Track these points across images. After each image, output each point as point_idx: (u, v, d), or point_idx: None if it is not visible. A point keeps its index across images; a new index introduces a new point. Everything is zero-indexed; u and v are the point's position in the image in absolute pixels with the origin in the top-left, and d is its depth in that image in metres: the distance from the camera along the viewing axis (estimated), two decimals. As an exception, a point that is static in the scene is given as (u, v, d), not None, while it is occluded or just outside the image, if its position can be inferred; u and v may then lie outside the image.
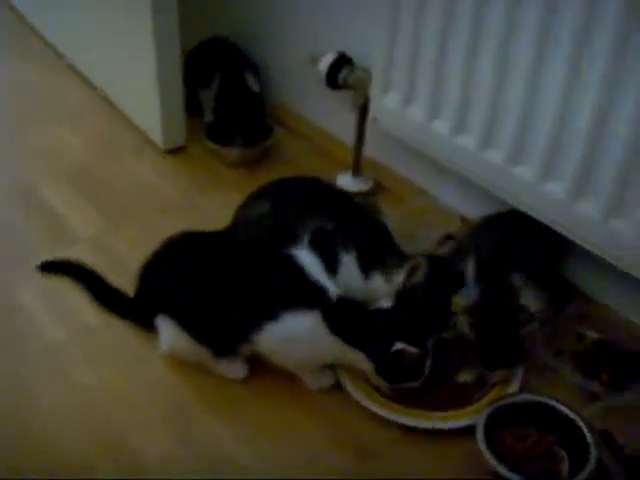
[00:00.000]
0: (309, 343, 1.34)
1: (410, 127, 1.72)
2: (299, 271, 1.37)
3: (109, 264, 1.64)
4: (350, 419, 1.38)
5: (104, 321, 1.54)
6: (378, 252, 1.51)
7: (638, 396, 1.37)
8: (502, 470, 1.22)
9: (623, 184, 1.34)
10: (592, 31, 1.29)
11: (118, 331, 1.53)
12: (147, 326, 1.47)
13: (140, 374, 1.45)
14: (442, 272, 1.44)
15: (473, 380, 1.42)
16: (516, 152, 1.51)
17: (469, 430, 1.31)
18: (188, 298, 1.39)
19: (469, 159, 1.60)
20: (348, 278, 1.47)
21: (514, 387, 1.40)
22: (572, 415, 1.30)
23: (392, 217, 1.66)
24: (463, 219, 1.76)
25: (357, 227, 1.54)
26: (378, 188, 2.01)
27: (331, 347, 1.34)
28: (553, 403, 1.32)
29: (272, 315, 1.32)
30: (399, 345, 1.29)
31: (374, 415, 1.37)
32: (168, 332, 1.42)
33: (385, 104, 1.75)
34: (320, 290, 1.35)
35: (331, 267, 1.44)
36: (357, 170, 2.01)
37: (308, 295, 1.35)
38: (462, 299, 1.44)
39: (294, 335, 1.33)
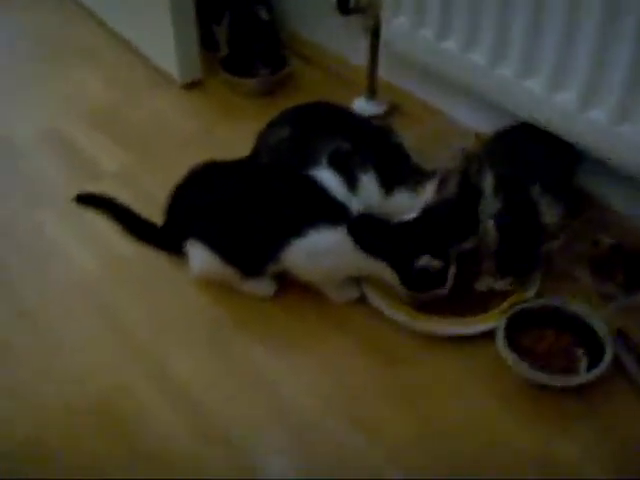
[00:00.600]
0: (334, 257, 1.38)
1: (422, 48, 1.73)
2: (321, 190, 1.41)
3: (136, 197, 1.69)
4: (376, 330, 1.44)
5: (136, 251, 1.59)
6: (397, 170, 1.54)
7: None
8: (524, 368, 1.28)
9: (630, 90, 1.36)
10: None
11: (150, 259, 1.58)
12: (177, 252, 1.53)
13: (174, 298, 1.51)
14: (469, 184, 1.47)
15: (490, 288, 1.45)
16: (525, 65, 1.52)
17: (490, 335, 1.36)
18: (215, 222, 1.44)
19: (480, 75, 1.62)
20: (368, 196, 1.50)
21: (532, 292, 1.45)
22: (587, 316, 1.35)
23: (408, 137, 1.67)
24: (478, 136, 1.77)
25: (374, 147, 1.57)
26: (393, 110, 2.03)
27: (356, 260, 1.38)
28: (569, 306, 1.37)
29: (298, 232, 1.37)
30: (424, 259, 1.33)
31: (398, 324, 1.42)
32: (198, 256, 1.47)
33: (396, 26, 1.77)
34: (342, 206, 1.40)
35: (351, 186, 1.47)
36: (372, 94, 2.03)
37: (331, 212, 1.39)
38: (484, 210, 1.47)
39: (320, 250, 1.37)
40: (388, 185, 1.52)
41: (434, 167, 1.56)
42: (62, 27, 2.51)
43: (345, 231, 1.37)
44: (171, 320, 1.47)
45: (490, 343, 1.35)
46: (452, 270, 1.38)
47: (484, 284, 1.45)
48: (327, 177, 1.44)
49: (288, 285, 1.49)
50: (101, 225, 1.63)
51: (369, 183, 1.52)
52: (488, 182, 1.51)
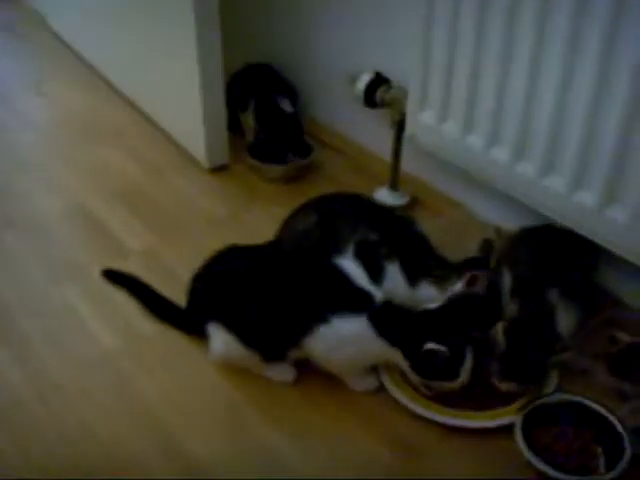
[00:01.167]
0: (357, 344, 1.39)
1: (445, 142, 1.76)
2: (345, 277, 1.42)
3: (160, 276, 1.72)
4: (394, 419, 1.42)
5: (158, 330, 1.61)
6: (422, 261, 1.55)
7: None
8: (542, 466, 1.27)
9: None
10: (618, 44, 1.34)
11: (171, 339, 1.59)
12: (199, 334, 1.54)
13: (193, 380, 1.51)
14: (495, 284, 1.48)
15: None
16: (547, 163, 1.55)
17: (507, 429, 1.35)
18: (237, 306, 1.45)
19: (502, 171, 1.65)
20: (393, 287, 1.51)
21: (549, 388, 1.44)
22: (606, 413, 1.34)
23: (428, 229, 1.69)
24: (498, 230, 1.78)
25: (400, 238, 1.59)
26: (415, 202, 2.06)
27: (377, 348, 1.39)
28: (587, 402, 1.36)
29: (321, 318, 1.38)
30: (430, 344, 1.33)
31: (416, 415, 1.41)
32: (219, 339, 1.48)
33: (421, 120, 1.80)
34: (366, 294, 1.41)
35: (376, 276, 1.49)
36: (394, 184, 2.06)
37: (354, 299, 1.40)
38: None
39: (343, 337, 1.38)
40: (413, 277, 1.53)
41: (459, 260, 1.57)
42: (93, 106, 2.58)
43: (367, 318, 1.38)
44: (188, 400, 1.46)
45: (508, 437, 1.34)
46: (467, 365, 1.37)
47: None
48: (351, 266, 1.46)
49: (308, 372, 1.49)
50: (124, 303, 1.65)
51: (395, 274, 1.53)
52: (506, 282, 1.52)
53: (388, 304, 1.40)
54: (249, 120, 2.27)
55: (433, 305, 1.41)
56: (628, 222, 1.44)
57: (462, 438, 1.38)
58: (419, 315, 1.40)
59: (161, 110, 2.40)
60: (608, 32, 1.33)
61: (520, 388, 1.40)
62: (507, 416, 1.39)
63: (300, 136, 2.22)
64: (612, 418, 1.33)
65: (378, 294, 1.41)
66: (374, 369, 1.49)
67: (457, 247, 1.70)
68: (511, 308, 1.46)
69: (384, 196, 2.06)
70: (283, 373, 1.49)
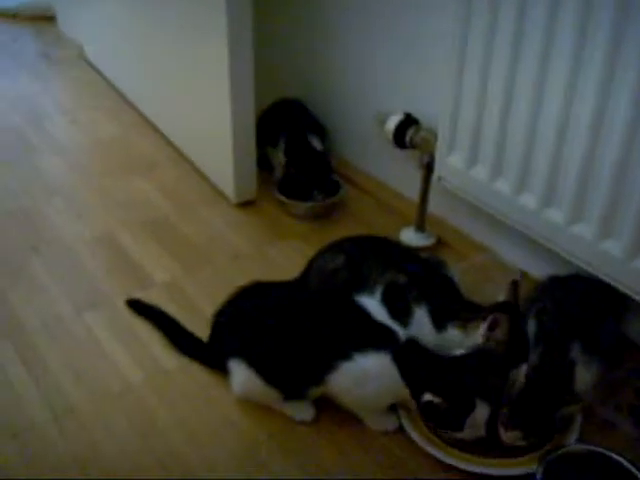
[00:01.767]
0: (378, 382, 1.38)
1: (473, 186, 1.77)
2: (367, 314, 1.43)
3: (183, 309, 1.74)
4: (413, 461, 1.41)
5: (179, 363, 1.61)
6: (449, 305, 1.55)
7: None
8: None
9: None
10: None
11: (192, 373, 1.59)
12: (220, 369, 1.54)
13: (212, 414, 1.50)
14: (520, 330, 1.46)
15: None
16: (575, 211, 1.54)
17: (526, 478, 1.33)
18: (260, 342, 1.45)
19: (529, 217, 1.64)
20: (420, 330, 1.51)
21: (572, 438, 1.42)
22: (628, 465, 1.31)
23: (453, 271, 1.69)
24: (523, 275, 1.78)
25: (428, 281, 1.59)
26: (440, 243, 2.06)
27: (399, 387, 1.38)
28: (610, 453, 1.33)
29: (344, 355, 1.38)
30: (428, 395, 1.32)
31: (436, 459, 1.40)
32: (240, 375, 1.48)
33: (449, 163, 1.80)
34: (389, 331, 1.41)
35: (403, 319, 1.49)
36: (421, 225, 2.06)
37: (377, 336, 1.40)
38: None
39: (364, 374, 1.37)
40: (440, 320, 1.52)
41: (485, 303, 1.56)
42: (125, 137, 2.62)
43: (390, 356, 1.37)
44: (207, 435, 1.46)
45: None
46: (478, 417, 1.34)
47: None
48: (374, 303, 1.47)
49: (328, 409, 1.48)
50: (147, 334, 1.67)
51: (422, 317, 1.53)
52: (530, 330, 1.51)
53: (412, 342, 1.40)
54: (279, 156, 2.29)
55: (458, 351, 1.40)
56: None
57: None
58: (435, 360, 1.39)
59: (192, 144, 2.43)
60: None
61: (524, 439, 1.37)
62: (528, 465, 1.36)
63: (328, 174, 2.24)
64: (635, 470, 1.31)
65: (401, 331, 1.41)
66: (394, 409, 1.48)
67: (481, 291, 1.70)
68: (532, 357, 1.45)
69: (410, 236, 2.06)
70: (303, 411, 1.49)
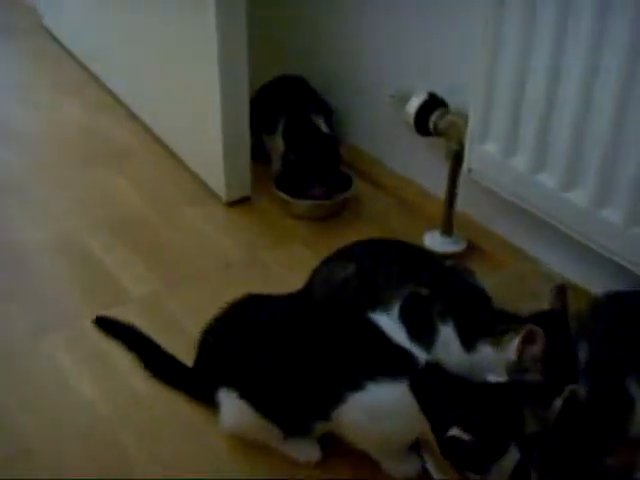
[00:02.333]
0: (396, 416, 1.36)
1: (511, 180, 1.75)
2: (382, 335, 1.41)
3: (164, 328, 1.73)
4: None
5: (157, 392, 1.60)
6: (480, 320, 1.53)
7: None
8: None
9: None
10: None
11: (174, 406, 1.58)
12: (207, 400, 1.52)
13: (198, 453, 1.49)
14: (566, 345, 1.44)
15: None
16: (636, 209, 1.52)
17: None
18: (256, 369, 1.43)
19: (580, 217, 1.63)
20: (446, 351, 1.49)
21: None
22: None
23: (487, 283, 1.67)
24: (570, 287, 1.75)
25: (455, 293, 1.58)
26: (471, 249, 2.05)
27: (420, 421, 1.35)
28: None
29: (355, 385, 1.36)
30: (455, 430, 1.29)
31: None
32: (231, 407, 1.46)
33: (483, 153, 1.79)
34: (407, 355, 1.38)
35: (426, 340, 1.47)
36: (448, 228, 2.05)
37: (394, 361, 1.38)
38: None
39: (380, 407, 1.35)
40: (470, 339, 1.50)
41: (519, 313, 1.54)
42: (94, 122, 2.63)
43: (409, 385, 1.35)
44: (189, 476, 1.45)
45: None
46: (508, 462, 1.31)
47: None
48: (389, 322, 1.45)
49: (336, 448, 1.47)
50: (119, 359, 1.65)
51: (448, 337, 1.51)
52: (581, 356, 1.47)
53: (433, 367, 1.38)
54: (277, 144, 2.29)
55: (493, 379, 1.38)
56: None
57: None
58: (462, 388, 1.37)
59: (174, 130, 2.43)
60: None
61: None
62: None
63: (337, 163, 2.23)
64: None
65: (422, 355, 1.39)
66: (416, 449, 1.46)
67: (520, 305, 1.65)
68: (580, 390, 1.41)
69: (435, 241, 2.06)
70: (307, 451, 1.48)
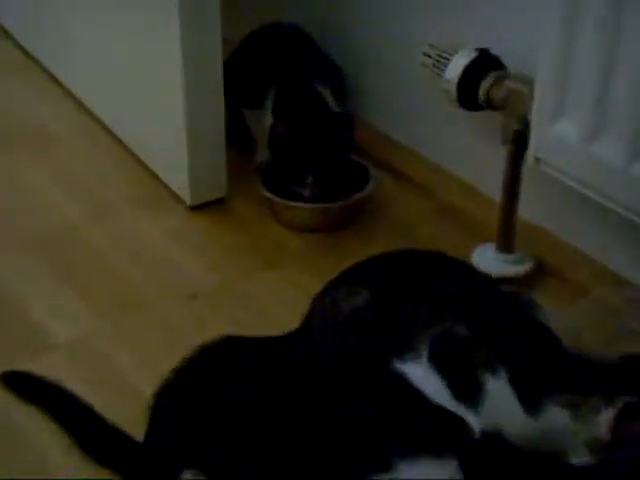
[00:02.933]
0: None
1: (597, 173, 1.74)
2: (417, 395, 1.40)
3: (102, 385, 1.71)
4: None
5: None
6: (547, 370, 1.52)
7: None
8: None
9: None
10: None
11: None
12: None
13: None
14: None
15: None
16: None
17: None
18: (235, 447, 1.42)
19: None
20: (499, 414, 1.48)
21: None
22: None
23: (563, 317, 1.68)
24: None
25: (507, 331, 1.57)
26: (540, 270, 2.04)
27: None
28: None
29: (379, 465, 1.35)
30: None
31: None
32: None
33: (557, 135, 1.78)
34: (451, 421, 1.39)
35: (470, 396, 1.46)
36: (506, 241, 2.03)
37: (433, 431, 1.38)
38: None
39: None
40: (531, 395, 1.49)
41: (608, 358, 1.54)
42: (7, 94, 2.66)
43: (457, 463, 1.35)
44: None
45: None
46: None
47: None
48: (425, 375, 1.44)
49: None
50: (34, 431, 1.63)
51: (500, 392, 1.49)
52: None
53: (493, 438, 1.38)
54: (264, 124, 2.27)
55: (578, 460, 1.38)
56: None
57: None
58: (539, 469, 1.38)
59: (117, 107, 2.44)
60: None
61: None
62: None
63: (346, 151, 2.22)
64: None
65: (473, 420, 1.40)
66: None
67: (611, 349, 1.65)
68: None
69: (488, 260, 2.04)
70: None
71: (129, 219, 2.20)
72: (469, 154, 2.17)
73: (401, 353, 1.48)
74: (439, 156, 2.26)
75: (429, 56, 2.02)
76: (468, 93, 1.94)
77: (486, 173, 2.10)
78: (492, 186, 2.05)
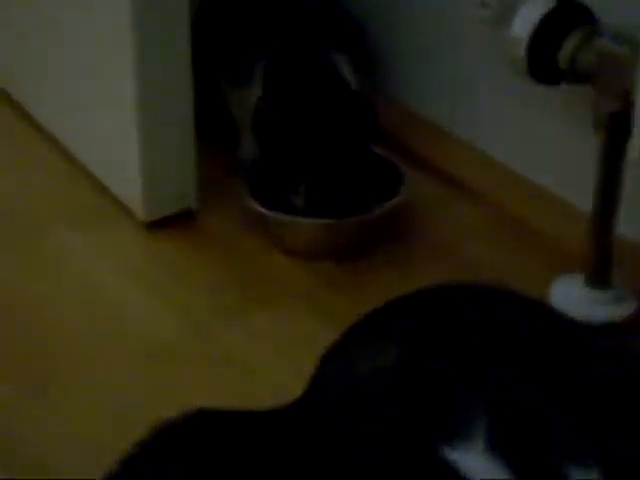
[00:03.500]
0: None
1: None
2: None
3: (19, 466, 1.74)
4: None
5: None
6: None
7: None
8: None
9: None
10: None
11: None
12: None
13: None
14: None
15: None
16: None
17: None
18: None
19: None
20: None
21: None
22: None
23: None
24: None
25: (608, 408, 1.51)
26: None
27: None
28: None
29: None
30: None
31: None
32: None
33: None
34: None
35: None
36: (600, 270, 1.99)
37: None
38: None
39: None
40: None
41: None
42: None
43: None
44: None
45: None
46: None
47: None
48: (484, 468, 1.37)
49: None
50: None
51: None
52: None
53: None
54: (250, 105, 2.23)
55: None
56: None
57: None
58: None
59: (50, 95, 2.47)
60: None
61: None
62: None
63: (367, 142, 2.20)
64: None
65: None
66: None
67: None
68: None
69: (574, 294, 2.00)
70: None
71: (58, 240, 2.20)
72: (543, 146, 2.14)
73: (448, 436, 1.43)
74: (497, 149, 2.24)
75: (488, 5, 1.96)
76: (544, 58, 1.90)
77: (568, 173, 2.08)
78: (578, 192, 2.03)
